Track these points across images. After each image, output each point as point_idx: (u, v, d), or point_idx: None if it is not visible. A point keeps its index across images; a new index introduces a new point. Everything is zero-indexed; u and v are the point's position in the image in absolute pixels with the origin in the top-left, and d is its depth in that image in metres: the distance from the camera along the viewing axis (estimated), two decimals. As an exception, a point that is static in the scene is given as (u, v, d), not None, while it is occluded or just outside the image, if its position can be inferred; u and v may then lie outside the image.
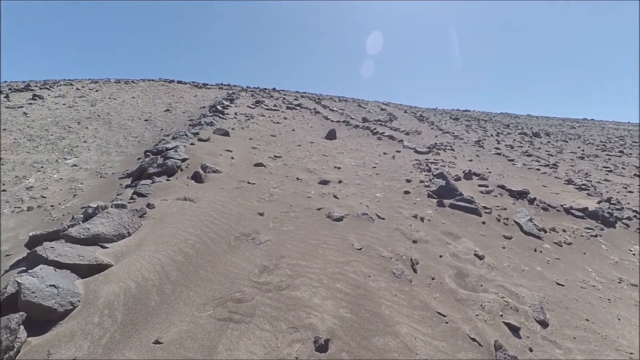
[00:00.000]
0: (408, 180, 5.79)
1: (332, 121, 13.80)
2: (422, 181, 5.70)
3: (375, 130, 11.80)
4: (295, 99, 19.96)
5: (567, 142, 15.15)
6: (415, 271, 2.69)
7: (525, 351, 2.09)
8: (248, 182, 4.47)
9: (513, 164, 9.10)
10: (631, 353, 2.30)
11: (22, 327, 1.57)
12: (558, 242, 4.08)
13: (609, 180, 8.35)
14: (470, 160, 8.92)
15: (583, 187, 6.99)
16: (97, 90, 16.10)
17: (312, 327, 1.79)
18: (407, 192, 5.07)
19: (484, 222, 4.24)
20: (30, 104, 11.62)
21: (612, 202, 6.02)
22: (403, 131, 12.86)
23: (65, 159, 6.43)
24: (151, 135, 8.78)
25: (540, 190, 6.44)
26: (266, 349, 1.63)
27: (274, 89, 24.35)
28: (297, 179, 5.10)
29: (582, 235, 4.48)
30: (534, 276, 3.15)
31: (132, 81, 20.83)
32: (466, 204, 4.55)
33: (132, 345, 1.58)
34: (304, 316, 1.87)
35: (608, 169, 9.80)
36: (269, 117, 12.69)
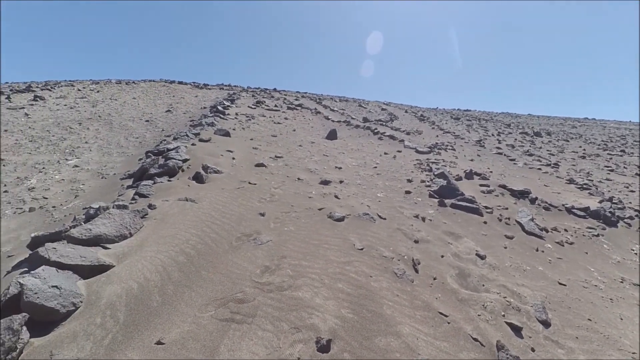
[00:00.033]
0: (409, 180, 5.78)
1: (333, 121, 13.80)
2: (423, 181, 5.70)
3: (376, 130, 11.79)
4: (296, 99, 19.96)
5: (568, 141, 15.11)
6: (416, 271, 2.69)
7: (527, 351, 2.08)
8: (249, 183, 4.48)
9: (514, 164, 9.09)
10: (634, 353, 2.29)
11: (24, 328, 1.58)
12: (560, 242, 4.07)
13: (611, 180, 8.33)
14: (472, 160, 8.91)
15: (585, 186, 6.98)
16: (98, 91, 16.13)
17: (314, 328, 1.79)
18: (408, 192, 5.06)
19: (485, 222, 4.23)
20: (32, 105, 11.65)
21: (613, 201, 6.00)
22: (404, 131, 12.85)
23: (66, 159, 6.45)
24: (152, 136, 8.79)
25: (541, 190, 6.42)
26: (268, 349, 1.63)
27: (274, 89, 24.36)
28: (298, 179, 5.10)
29: (583, 235, 4.47)
30: (536, 276, 3.14)
31: (133, 82, 20.86)
32: (467, 204, 4.55)
33: (134, 345, 1.58)
34: (306, 316, 1.87)
35: (609, 168, 9.78)
36: (270, 117, 12.69)
